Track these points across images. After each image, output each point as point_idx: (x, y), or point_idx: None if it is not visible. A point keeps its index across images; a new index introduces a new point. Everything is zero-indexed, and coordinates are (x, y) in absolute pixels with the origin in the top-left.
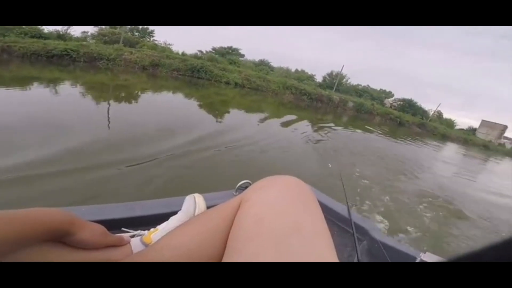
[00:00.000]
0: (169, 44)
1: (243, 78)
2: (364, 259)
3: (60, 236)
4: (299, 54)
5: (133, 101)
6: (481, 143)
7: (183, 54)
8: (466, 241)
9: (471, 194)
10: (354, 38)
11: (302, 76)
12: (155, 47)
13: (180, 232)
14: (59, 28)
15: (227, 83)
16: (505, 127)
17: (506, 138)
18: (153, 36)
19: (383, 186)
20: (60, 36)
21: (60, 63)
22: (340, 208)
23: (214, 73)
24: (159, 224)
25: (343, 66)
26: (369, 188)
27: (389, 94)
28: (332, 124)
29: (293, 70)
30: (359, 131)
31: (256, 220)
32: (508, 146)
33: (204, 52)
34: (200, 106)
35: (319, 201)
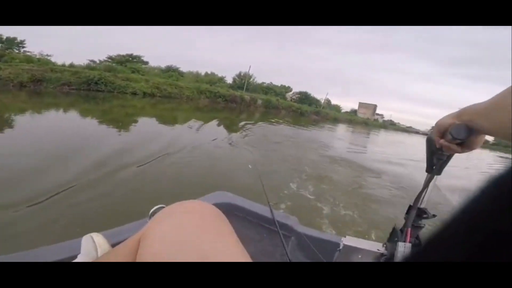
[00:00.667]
0: (47, 55)
1: (152, 86)
2: (297, 254)
3: None
4: (208, 56)
5: (10, 126)
6: (361, 121)
7: (71, 65)
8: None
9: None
10: (257, 39)
11: (213, 79)
12: (30, 59)
13: None
14: None
15: (134, 93)
16: (375, 106)
17: (378, 114)
18: (23, 47)
19: (299, 159)
20: None
21: None
22: (263, 209)
23: (117, 84)
24: None
25: (250, 66)
26: (287, 161)
27: (288, 89)
28: (251, 122)
29: (202, 73)
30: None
31: (159, 255)
32: (380, 120)
33: (98, 61)
34: (101, 122)
35: (241, 207)
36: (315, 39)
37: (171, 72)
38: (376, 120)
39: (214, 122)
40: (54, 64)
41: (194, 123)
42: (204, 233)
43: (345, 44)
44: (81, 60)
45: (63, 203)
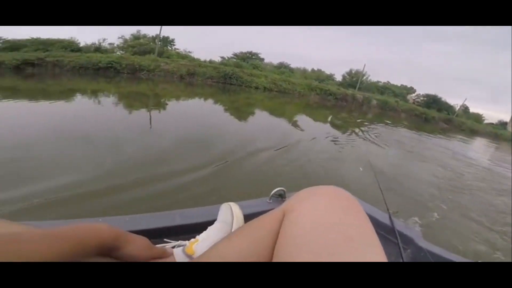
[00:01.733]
0: (189, 52)
1: (270, 82)
2: None
3: (107, 251)
4: (314, 53)
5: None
6: None
7: (211, 61)
8: None
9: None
10: (361, 34)
11: (321, 76)
12: (178, 55)
13: (226, 244)
14: (95, 41)
15: (256, 87)
16: None
17: None
18: (174, 45)
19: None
20: (97, 49)
21: (106, 75)
22: (381, 215)
23: (244, 79)
24: (197, 233)
25: (365, 65)
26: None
27: (410, 90)
28: (367, 122)
29: (309, 70)
30: (394, 127)
31: (308, 230)
32: None
33: (226, 58)
34: (236, 110)
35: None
36: (443, 32)
37: (283, 68)
38: None
39: (325, 118)
40: (199, 60)
41: (306, 118)
42: (347, 215)
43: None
44: (210, 56)
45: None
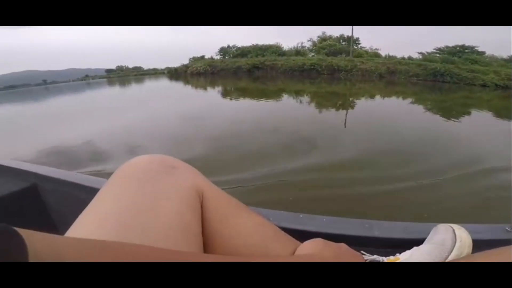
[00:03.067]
0: (376, 49)
1: (504, 78)
2: None
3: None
4: None
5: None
6: None
7: (410, 58)
8: None
9: None
10: None
11: None
12: (364, 53)
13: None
14: (294, 45)
15: (484, 85)
16: None
17: None
18: (359, 43)
19: None
20: (298, 52)
21: (310, 76)
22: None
23: (462, 75)
24: (397, 250)
25: None
26: None
27: None
28: None
29: None
30: None
31: None
32: None
33: (426, 53)
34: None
35: None
36: None
37: None
38: None
39: None
40: (395, 57)
41: None
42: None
43: None
44: (403, 52)
45: None
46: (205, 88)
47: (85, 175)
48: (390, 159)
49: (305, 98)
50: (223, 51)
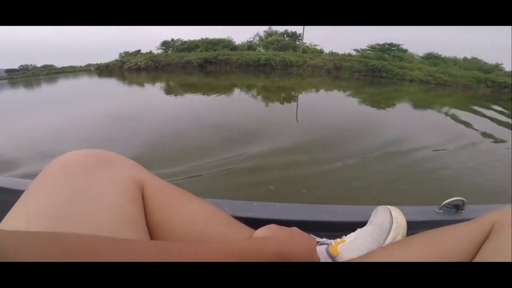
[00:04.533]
0: (315, 45)
1: (426, 74)
2: None
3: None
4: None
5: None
6: None
7: (349, 55)
8: None
9: None
10: None
11: (483, 66)
12: (306, 49)
13: (389, 254)
14: (248, 40)
15: (411, 80)
16: None
17: None
18: (301, 39)
19: None
20: (249, 47)
21: (265, 71)
22: None
23: (395, 72)
24: (344, 233)
25: None
26: None
27: None
28: None
29: (460, 58)
30: None
31: None
32: None
33: (360, 50)
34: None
35: None
36: None
37: (433, 59)
38: None
39: None
40: (337, 54)
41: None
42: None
43: None
44: (340, 48)
45: None
46: (144, 85)
47: (8, 177)
48: (322, 145)
49: (256, 92)
50: (166, 45)
